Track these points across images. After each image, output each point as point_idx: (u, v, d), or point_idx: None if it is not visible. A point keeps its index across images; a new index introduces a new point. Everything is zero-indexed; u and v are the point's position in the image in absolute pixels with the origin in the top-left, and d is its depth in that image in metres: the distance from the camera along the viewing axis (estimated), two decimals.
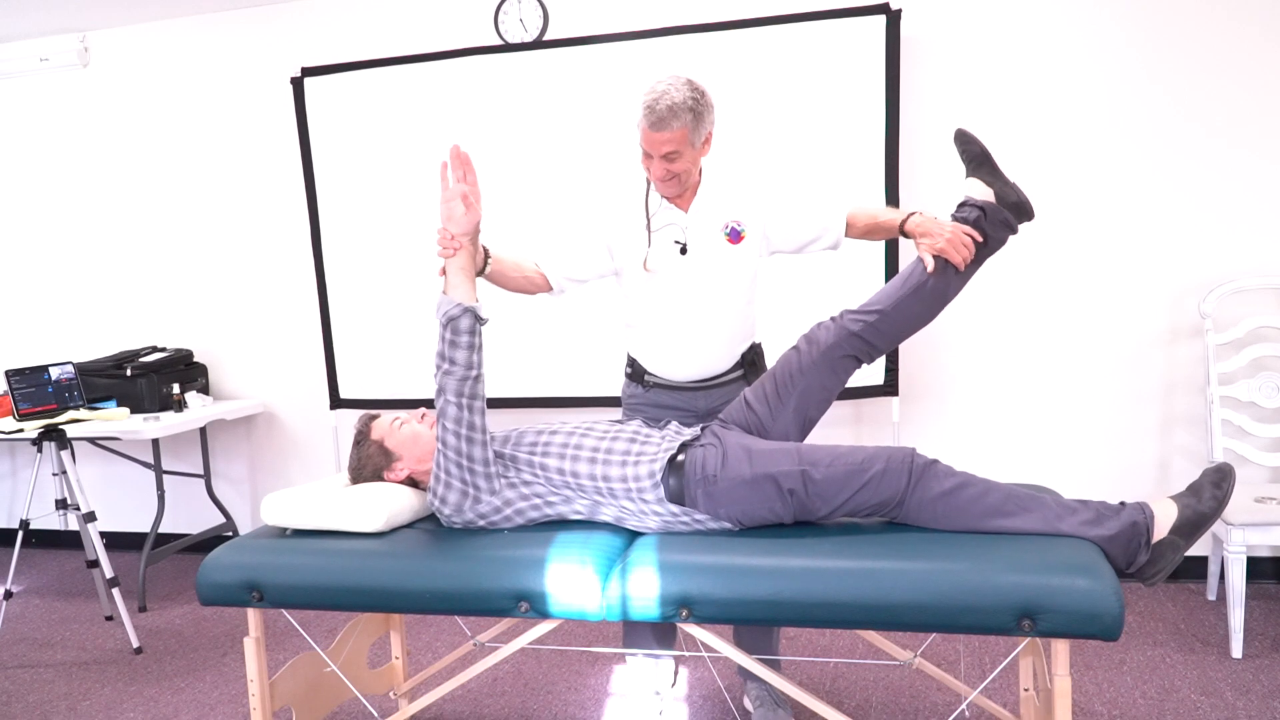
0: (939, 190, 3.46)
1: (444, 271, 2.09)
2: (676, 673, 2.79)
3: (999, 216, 2.10)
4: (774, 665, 2.45)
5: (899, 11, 3.25)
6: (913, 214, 2.19)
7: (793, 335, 2.24)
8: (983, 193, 2.12)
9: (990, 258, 2.14)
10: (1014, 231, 2.12)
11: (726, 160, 2.34)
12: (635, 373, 2.46)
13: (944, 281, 2.10)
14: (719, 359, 2.37)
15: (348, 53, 3.92)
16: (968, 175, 2.17)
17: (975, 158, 2.16)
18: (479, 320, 2.06)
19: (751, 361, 2.42)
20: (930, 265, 2.08)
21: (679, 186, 2.27)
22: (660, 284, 2.31)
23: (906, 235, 2.19)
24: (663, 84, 2.15)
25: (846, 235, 2.33)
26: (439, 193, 2.09)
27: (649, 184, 2.32)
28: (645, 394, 2.44)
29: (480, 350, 2.07)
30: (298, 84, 3.85)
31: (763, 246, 2.34)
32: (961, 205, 2.13)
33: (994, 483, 1.94)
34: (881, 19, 3.25)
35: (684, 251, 2.30)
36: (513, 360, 3.74)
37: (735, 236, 2.31)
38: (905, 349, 3.48)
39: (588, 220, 2.41)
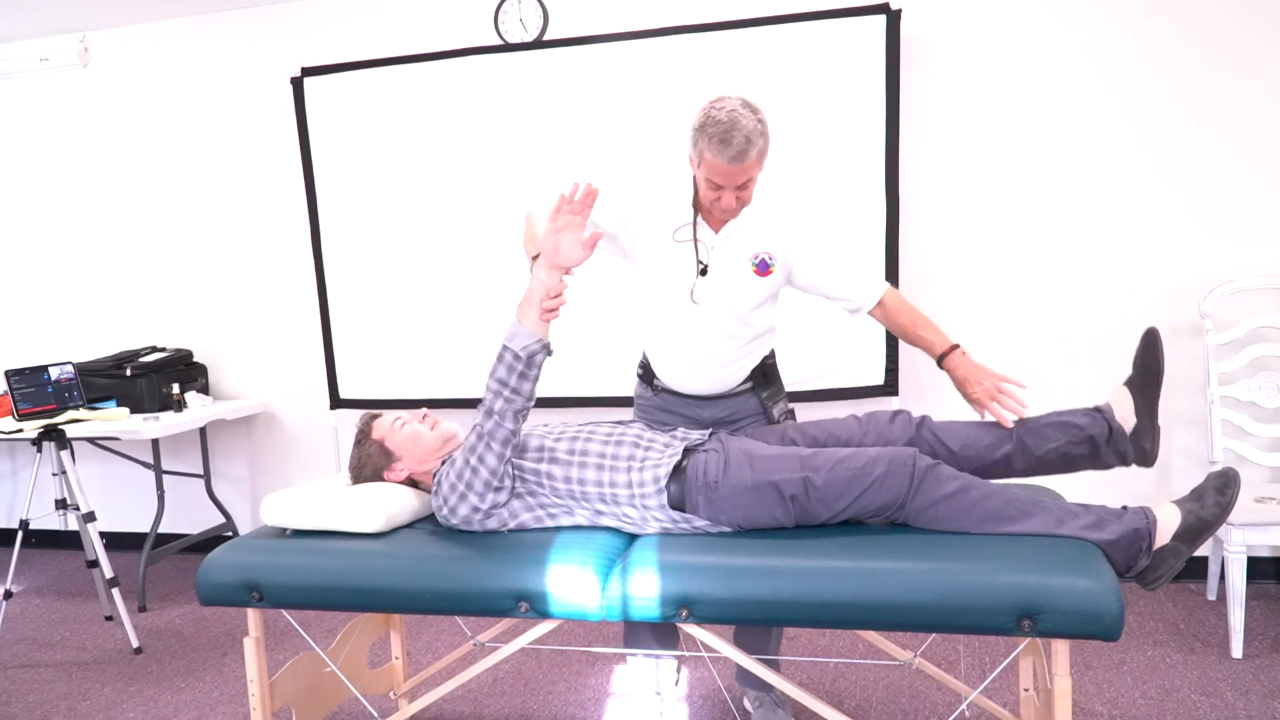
0: (938, 190, 3.47)
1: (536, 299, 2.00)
2: (679, 672, 2.79)
3: (1120, 447, 2.00)
4: (774, 665, 2.45)
5: (899, 11, 3.25)
6: (955, 348, 2.16)
7: (793, 340, 2.19)
8: (1123, 412, 2.01)
9: (1082, 469, 2.05)
10: (1124, 464, 2.02)
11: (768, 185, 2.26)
12: (646, 375, 2.42)
13: (1014, 459, 2.05)
14: (729, 377, 2.32)
15: (348, 53, 3.92)
16: (1125, 383, 2.05)
17: (1147, 375, 2.01)
18: (549, 353, 2.03)
19: (763, 373, 2.37)
20: (994, 419, 2.08)
21: (736, 214, 2.18)
22: (676, 300, 2.24)
23: (942, 368, 2.18)
24: (724, 110, 2.02)
25: (872, 313, 2.27)
26: (546, 223, 1.99)
27: (696, 209, 2.21)
28: (653, 397, 2.40)
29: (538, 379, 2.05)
30: (298, 84, 3.86)
31: (786, 279, 2.27)
32: (1092, 411, 2.03)
33: (995, 486, 1.93)
34: (881, 19, 3.25)
35: (704, 273, 2.21)
36: None
37: (764, 269, 2.22)
38: (905, 349, 3.48)
39: (611, 197, 2.25)
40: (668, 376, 2.35)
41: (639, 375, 2.45)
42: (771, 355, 2.41)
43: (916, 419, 2.14)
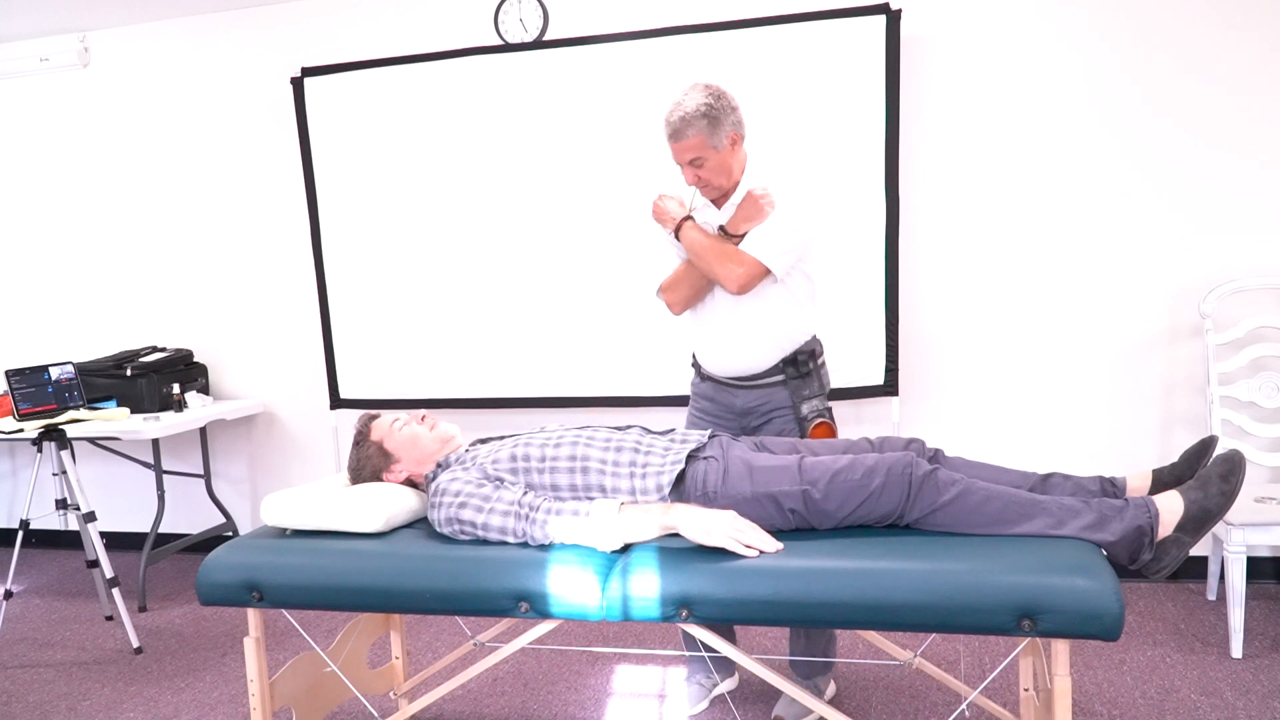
0: (938, 190, 3.47)
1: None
2: (716, 685, 2.71)
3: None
4: (825, 666, 2.55)
5: (899, 11, 3.25)
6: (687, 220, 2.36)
7: None
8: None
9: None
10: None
11: (758, 167, 2.40)
12: (695, 361, 2.56)
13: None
14: (748, 359, 2.41)
15: (348, 53, 3.92)
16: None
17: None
18: None
19: (795, 365, 2.40)
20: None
21: (714, 190, 2.35)
22: None
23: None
24: (680, 94, 2.25)
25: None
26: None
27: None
28: (700, 384, 2.53)
29: None
30: (298, 84, 3.86)
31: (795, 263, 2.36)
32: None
33: (995, 489, 1.92)
34: (881, 19, 3.25)
35: None
36: (517, 359, 3.75)
37: None
38: (905, 350, 3.48)
39: None
40: (700, 355, 2.50)
41: (692, 364, 2.59)
42: (809, 353, 2.43)
43: (930, 451, 2.12)
